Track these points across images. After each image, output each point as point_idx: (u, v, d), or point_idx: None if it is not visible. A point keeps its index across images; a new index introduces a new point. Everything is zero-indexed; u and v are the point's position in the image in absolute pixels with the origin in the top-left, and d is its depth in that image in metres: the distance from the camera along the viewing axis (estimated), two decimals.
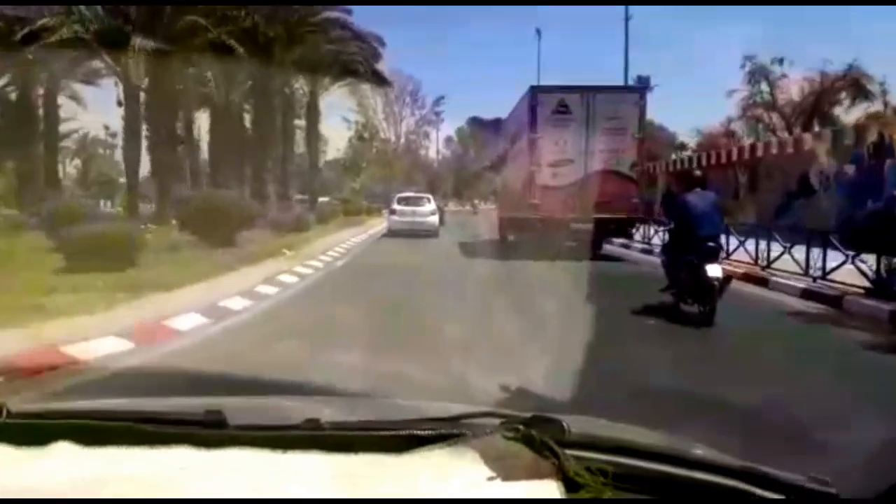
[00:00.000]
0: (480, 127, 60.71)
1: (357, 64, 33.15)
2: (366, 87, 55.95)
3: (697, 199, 7.60)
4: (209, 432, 0.97)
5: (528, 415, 1.02)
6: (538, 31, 34.48)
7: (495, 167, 25.10)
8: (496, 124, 31.37)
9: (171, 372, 4.69)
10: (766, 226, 13.37)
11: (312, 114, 36.24)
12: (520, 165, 16.37)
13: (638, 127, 14.98)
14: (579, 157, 14.78)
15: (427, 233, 22.25)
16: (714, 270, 7.14)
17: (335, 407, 1.39)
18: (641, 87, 15.95)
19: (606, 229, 15.28)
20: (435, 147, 65.04)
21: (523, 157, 15.73)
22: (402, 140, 58.90)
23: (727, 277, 7.43)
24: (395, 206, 23.93)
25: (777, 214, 19.79)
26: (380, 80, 36.87)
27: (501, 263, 13.69)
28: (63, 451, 0.93)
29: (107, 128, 52.25)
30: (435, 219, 23.42)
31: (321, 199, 31.20)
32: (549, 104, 14.80)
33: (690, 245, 7.40)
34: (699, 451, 1.07)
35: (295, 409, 1.17)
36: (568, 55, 70.81)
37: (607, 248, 16.42)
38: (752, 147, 25.30)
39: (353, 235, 21.43)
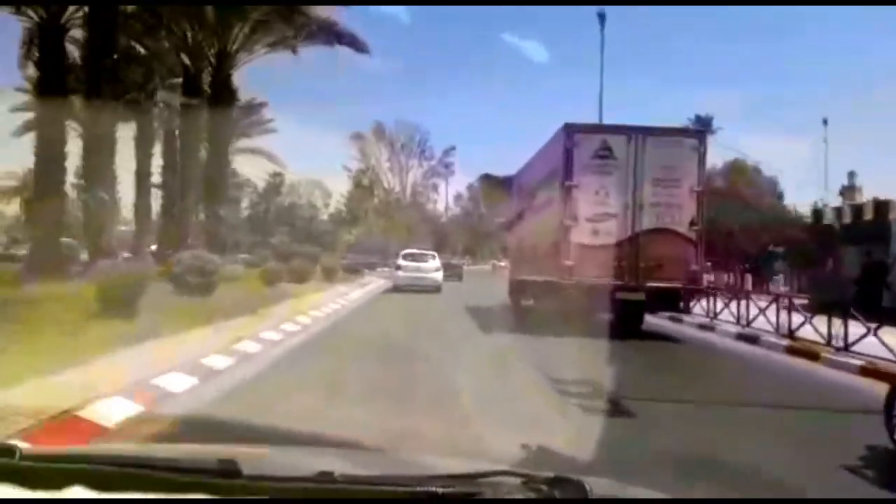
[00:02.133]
0: (493, 184, 59.54)
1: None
2: (367, 135, 55.39)
3: None
4: (223, 482, 0.97)
5: (550, 475, 1.02)
6: (601, 16, 25.76)
7: (509, 223, 22.61)
8: (509, 182, 29.61)
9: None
10: None
11: (224, 94, 22.82)
12: (547, 220, 14.02)
13: (697, 177, 12.67)
14: (624, 211, 12.46)
15: (431, 288, 23.98)
16: None
17: (348, 460, 1.38)
18: (700, 131, 13.67)
19: (657, 301, 12.86)
20: (444, 201, 63.40)
21: (553, 210, 13.39)
22: (409, 192, 57.25)
23: None
24: (401, 262, 25.81)
25: None
26: (334, 34, 23.75)
27: (527, 342, 11.08)
28: (78, 497, 0.93)
29: None
30: (439, 275, 25.29)
31: (241, 256, 23.87)
32: (588, 146, 12.55)
33: None
34: None
35: (308, 461, 1.20)
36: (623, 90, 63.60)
37: (648, 321, 14.02)
38: None
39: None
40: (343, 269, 30.79)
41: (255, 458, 1.17)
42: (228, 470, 1.00)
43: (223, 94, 23.00)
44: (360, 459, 1.51)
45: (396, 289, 24.49)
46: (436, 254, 27.65)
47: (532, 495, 0.96)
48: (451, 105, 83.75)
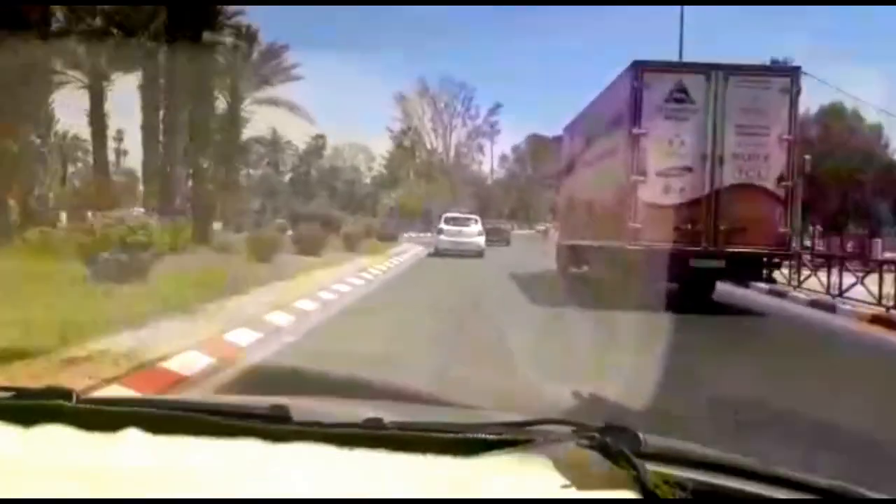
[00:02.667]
0: (540, 145, 57.76)
1: None
2: (410, 95, 53.48)
3: None
4: (274, 427, 1.00)
5: (601, 424, 1.00)
6: None
7: (558, 181, 20.61)
8: (558, 142, 26.94)
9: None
10: None
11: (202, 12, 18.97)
12: (608, 175, 12.37)
13: (788, 124, 10.86)
14: (702, 164, 10.77)
15: (473, 253, 23.52)
16: None
17: (399, 410, 1.39)
18: (793, 68, 11.75)
19: (738, 269, 11.21)
20: (489, 162, 61.45)
21: (616, 163, 11.76)
22: (452, 153, 55.50)
23: None
24: (443, 226, 25.32)
25: None
26: None
27: (589, 316, 9.54)
28: (133, 438, 0.97)
29: None
30: (481, 239, 24.88)
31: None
32: (660, 88, 10.81)
33: None
34: (782, 470, 1.01)
35: (359, 409, 1.21)
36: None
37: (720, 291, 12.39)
38: None
39: None
40: (378, 235, 28.78)
41: (306, 406, 1.17)
42: (279, 415, 1.01)
43: (201, 14, 18.33)
44: (411, 409, 1.57)
45: (438, 253, 23.91)
46: (478, 218, 27.16)
47: (584, 443, 0.93)
48: (497, 61, 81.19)
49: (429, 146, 54.97)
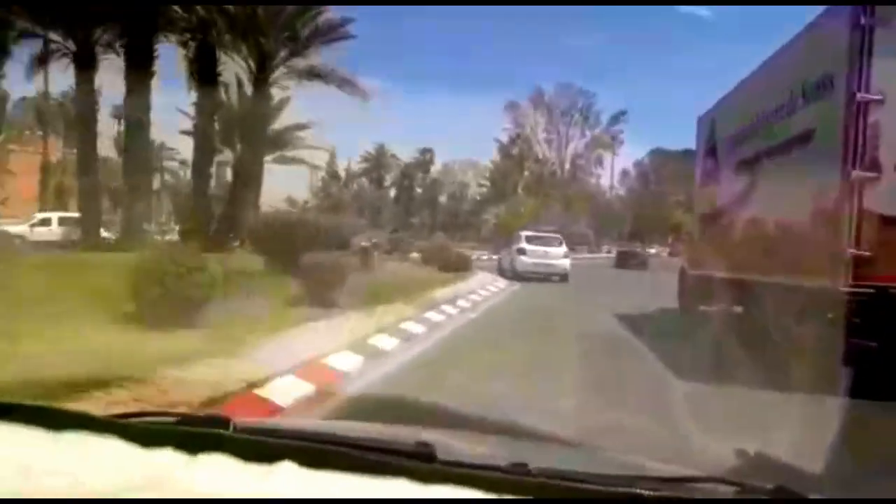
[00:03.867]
0: (665, 159, 53.18)
1: None
2: (523, 104, 50.43)
3: None
4: (420, 465, 1.01)
5: (769, 485, 0.97)
6: None
7: (697, 188, 15.10)
8: (687, 156, 25.40)
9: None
10: None
11: None
12: (799, 173, 8.20)
13: None
14: None
15: (557, 277, 22.46)
16: None
17: (542, 451, 1.45)
18: None
19: None
20: (608, 177, 56.93)
21: (817, 153, 7.65)
22: (568, 165, 51.42)
23: None
24: (525, 246, 23.58)
25: None
26: None
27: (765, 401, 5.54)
28: (286, 470, 1.00)
29: None
30: (567, 262, 23.47)
31: None
32: None
33: None
34: None
35: (502, 449, 1.29)
36: None
37: None
38: None
39: None
40: (441, 263, 21.59)
41: (448, 442, 1.18)
42: (425, 453, 1.02)
43: None
44: (554, 452, 1.55)
45: (517, 277, 21.76)
46: (562, 238, 25.49)
47: None
48: (620, 67, 76.27)
49: (540, 157, 51.19)
